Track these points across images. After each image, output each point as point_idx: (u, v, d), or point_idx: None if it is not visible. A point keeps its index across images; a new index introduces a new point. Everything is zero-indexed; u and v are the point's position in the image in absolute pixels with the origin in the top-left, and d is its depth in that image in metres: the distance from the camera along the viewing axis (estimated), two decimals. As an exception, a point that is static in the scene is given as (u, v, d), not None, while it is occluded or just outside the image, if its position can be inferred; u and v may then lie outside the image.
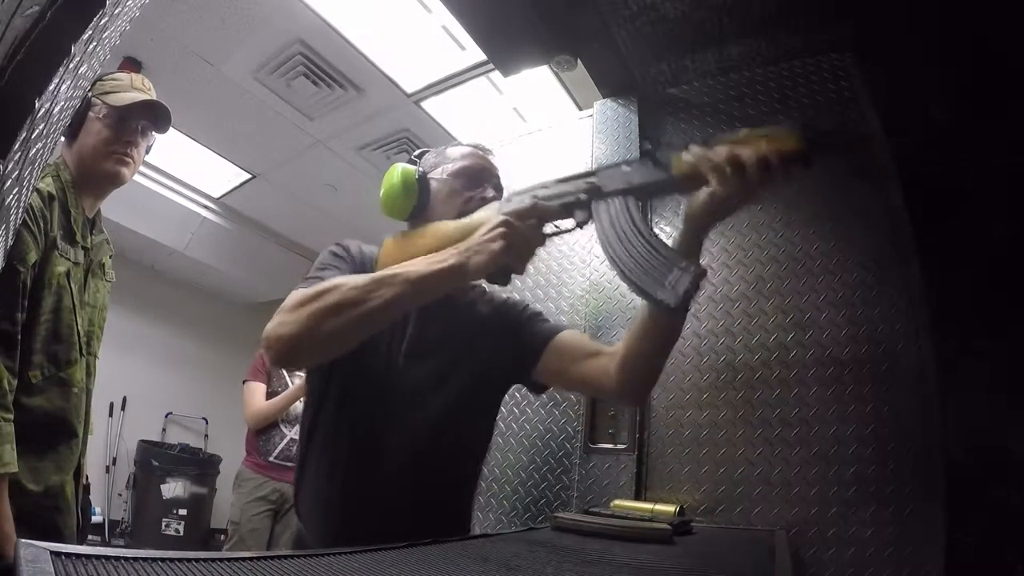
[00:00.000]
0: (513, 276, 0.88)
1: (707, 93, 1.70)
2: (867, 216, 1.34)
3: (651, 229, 0.80)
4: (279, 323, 0.79)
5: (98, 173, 1.19)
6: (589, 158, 1.76)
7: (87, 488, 1.23)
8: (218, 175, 3.55)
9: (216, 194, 3.77)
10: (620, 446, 1.43)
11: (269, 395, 2.55)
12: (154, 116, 1.24)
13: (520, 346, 1.01)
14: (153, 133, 1.27)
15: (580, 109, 2.27)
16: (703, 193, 0.77)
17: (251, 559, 0.43)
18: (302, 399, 2.53)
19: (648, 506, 1.25)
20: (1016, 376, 1.11)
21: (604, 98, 1.81)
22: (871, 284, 1.30)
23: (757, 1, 1.47)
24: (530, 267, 0.86)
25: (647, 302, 0.79)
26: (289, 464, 2.50)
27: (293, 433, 2.55)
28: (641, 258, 0.76)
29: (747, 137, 0.72)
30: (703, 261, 0.81)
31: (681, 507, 1.28)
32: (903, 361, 1.22)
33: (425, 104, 2.70)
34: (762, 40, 1.58)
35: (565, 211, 0.86)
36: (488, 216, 0.87)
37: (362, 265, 0.96)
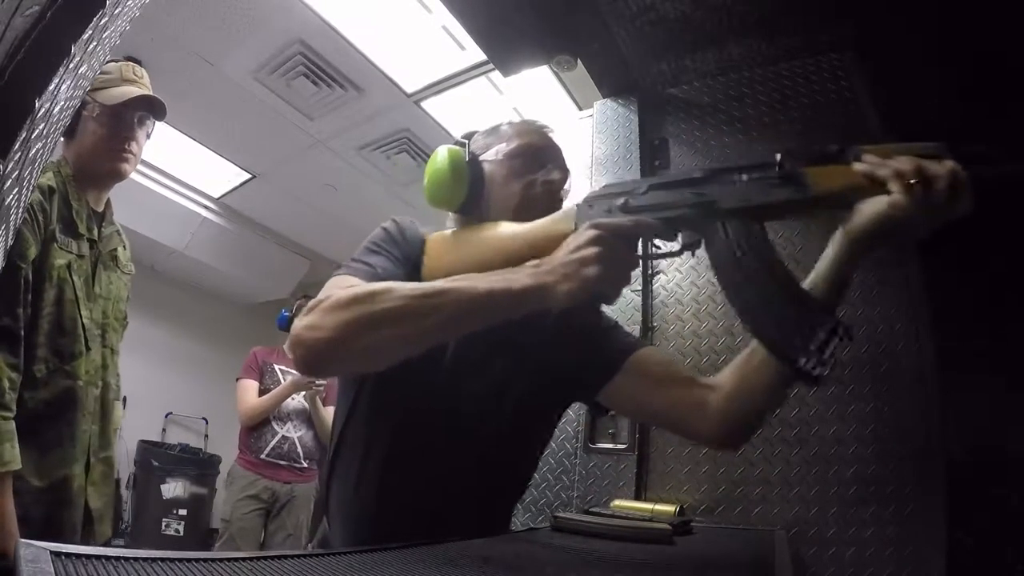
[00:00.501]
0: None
1: (707, 93, 1.70)
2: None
3: (788, 267, 0.63)
4: (309, 325, 0.68)
5: (99, 171, 1.18)
6: (589, 158, 1.76)
7: (116, 482, 1.21)
8: (218, 175, 3.54)
9: (216, 194, 3.77)
10: (620, 446, 1.43)
11: (262, 392, 2.54)
12: (149, 107, 1.22)
13: (593, 356, 0.86)
14: (152, 120, 1.25)
15: (580, 109, 2.27)
16: (876, 204, 0.61)
17: (250, 559, 0.43)
18: (294, 396, 2.53)
19: (648, 506, 1.25)
20: (1016, 376, 1.11)
21: (604, 98, 1.82)
22: (871, 284, 1.30)
23: (757, 1, 1.47)
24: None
25: (783, 365, 0.62)
26: (281, 462, 2.50)
27: (285, 431, 2.54)
28: (777, 307, 0.61)
29: (900, 150, 0.61)
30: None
31: (681, 507, 1.28)
32: (903, 361, 1.23)
33: (425, 104, 2.70)
34: (762, 40, 1.58)
35: (668, 228, 0.68)
36: (562, 226, 0.72)
37: (414, 252, 0.84)
